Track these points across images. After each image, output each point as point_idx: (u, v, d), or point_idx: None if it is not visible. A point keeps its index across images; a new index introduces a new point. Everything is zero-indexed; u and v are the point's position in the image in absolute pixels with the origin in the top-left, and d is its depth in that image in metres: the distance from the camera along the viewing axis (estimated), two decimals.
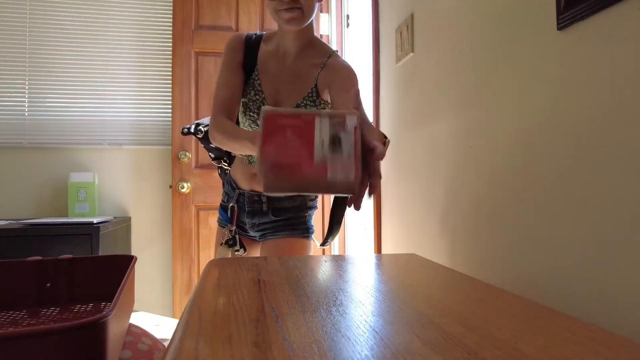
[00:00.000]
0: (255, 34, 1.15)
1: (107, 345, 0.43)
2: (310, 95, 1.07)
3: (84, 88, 2.28)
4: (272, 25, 2.23)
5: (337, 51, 1.12)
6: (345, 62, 1.10)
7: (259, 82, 1.11)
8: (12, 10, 2.22)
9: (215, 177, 2.15)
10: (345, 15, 2.30)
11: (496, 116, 0.80)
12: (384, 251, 1.42)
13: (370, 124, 0.76)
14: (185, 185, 2.10)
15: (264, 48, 1.13)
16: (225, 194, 1.21)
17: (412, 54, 1.19)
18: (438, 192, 1.03)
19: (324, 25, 2.28)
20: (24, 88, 2.23)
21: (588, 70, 0.58)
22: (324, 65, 1.07)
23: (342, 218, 1.18)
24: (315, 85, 1.07)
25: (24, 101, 2.23)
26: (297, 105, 1.07)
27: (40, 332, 0.40)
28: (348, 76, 1.05)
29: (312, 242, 1.15)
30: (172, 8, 2.20)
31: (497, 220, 0.78)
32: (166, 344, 0.55)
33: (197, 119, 2.15)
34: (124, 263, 0.75)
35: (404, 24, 1.23)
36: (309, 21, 1.04)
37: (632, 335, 0.49)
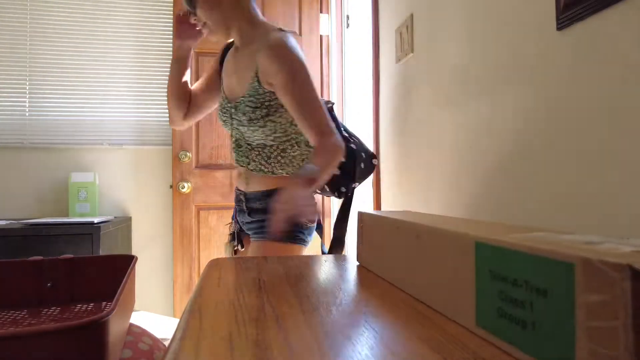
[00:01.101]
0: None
1: (108, 345, 0.43)
2: (252, 85, 1.03)
3: (84, 88, 2.28)
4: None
5: (282, 29, 1.05)
6: (281, 40, 1.00)
7: (221, 81, 1.16)
8: (13, 11, 2.22)
9: (216, 177, 2.15)
10: (345, 15, 2.30)
11: (496, 116, 0.80)
12: None
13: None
14: (185, 185, 2.10)
15: (230, 51, 1.18)
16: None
17: (412, 54, 1.20)
18: (438, 192, 1.03)
19: (324, 25, 2.28)
20: (25, 88, 2.23)
21: (588, 70, 0.58)
22: (261, 49, 1.01)
23: (343, 233, 1.22)
24: (256, 74, 1.02)
25: (24, 101, 2.23)
26: (242, 99, 1.06)
27: (41, 331, 0.40)
28: (273, 60, 0.97)
29: (290, 246, 1.08)
30: (172, 8, 2.20)
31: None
32: (166, 343, 0.55)
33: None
34: (125, 263, 0.76)
35: (404, 24, 1.23)
36: (223, 28, 1.06)
37: None
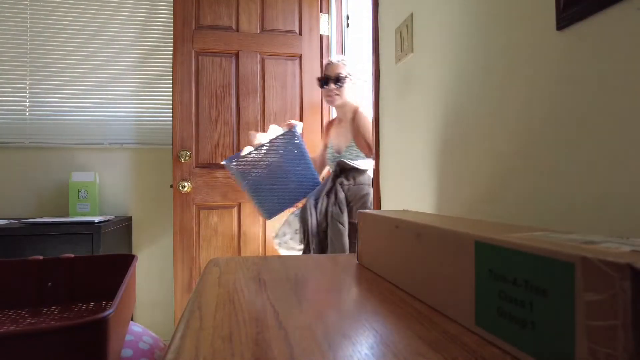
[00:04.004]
0: None
1: (108, 344, 0.43)
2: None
3: (85, 88, 2.29)
4: (272, 25, 2.23)
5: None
6: None
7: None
8: (13, 10, 2.22)
9: (216, 176, 2.15)
10: (345, 15, 2.30)
11: (496, 116, 0.80)
12: None
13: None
14: (185, 184, 2.10)
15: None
16: None
17: (412, 54, 1.20)
18: (438, 192, 1.03)
19: (324, 25, 2.28)
20: (25, 88, 2.23)
21: (588, 71, 0.58)
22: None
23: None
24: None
25: (24, 101, 2.23)
26: None
27: (42, 331, 0.40)
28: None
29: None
30: (172, 8, 2.20)
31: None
32: (167, 342, 0.55)
33: (198, 119, 2.15)
34: (125, 262, 0.76)
35: (404, 24, 1.23)
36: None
37: None
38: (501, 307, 0.34)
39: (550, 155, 0.65)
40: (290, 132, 1.61)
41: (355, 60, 1.87)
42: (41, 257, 0.74)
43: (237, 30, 2.19)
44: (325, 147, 1.96)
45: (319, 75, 2.26)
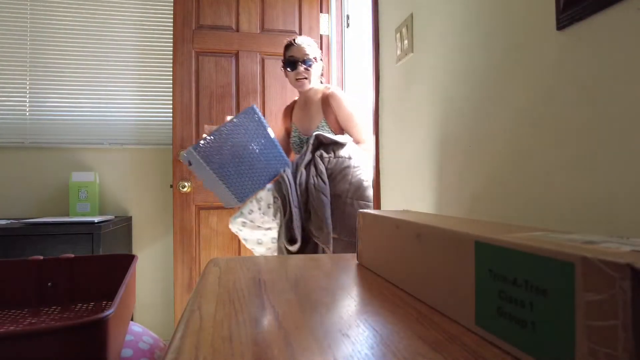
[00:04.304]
0: None
1: (108, 344, 0.43)
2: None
3: (84, 88, 2.29)
4: (272, 25, 2.23)
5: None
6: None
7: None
8: (13, 10, 2.22)
9: None
10: (345, 15, 2.30)
11: (496, 116, 0.80)
12: None
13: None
14: (186, 184, 2.10)
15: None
16: None
17: (412, 54, 1.20)
18: (438, 192, 1.03)
19: (324, 25, 2.28)
20: (25, 88, 2.23)
21: (587, 70, 0.58)
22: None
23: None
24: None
25: (25, 101, 2.23)
26: None
27: (42, 331, 0.40)
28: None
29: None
30: (172, 8, 2.20)
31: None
32: (167, 342, 0.55)
33: (198, 119, 2.15)
34: (125, 262, 0.76)
35: (404, 24, 1.24)
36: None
37: None
38: (501, 307, 0.34)
39: (550, 155, 0.65)
40: (250, 109, 1.52)
41: (315, 43, 1.81)
42: (41, 257, 0.74)
43: (237, 30, 2.19)
44: (287, 132, 1.91)
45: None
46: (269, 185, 1.57)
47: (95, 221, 1.83)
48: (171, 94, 2.30)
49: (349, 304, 0.47)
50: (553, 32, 0.64)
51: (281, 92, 2.23)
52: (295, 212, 1.47)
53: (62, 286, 0.74)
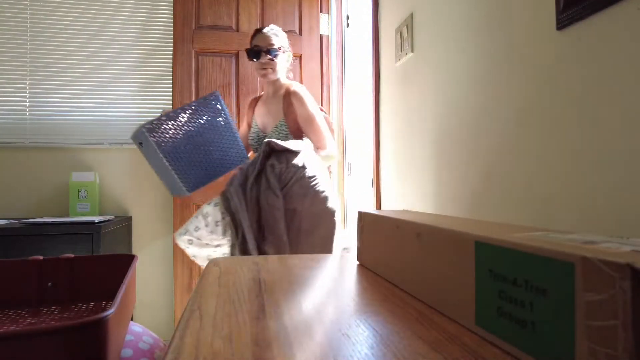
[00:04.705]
0: None
1: (108, 344, 0.43)
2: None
3: (84, 88, 2.29)
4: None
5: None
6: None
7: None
8: (13, 10, 2.22)
9: None
10: (345, 15, 2.30)
11: (496, 116, 0.80)
12: None
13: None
14: None
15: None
16: None
17: (412, 54, 1.20)
18: (438, 192, 1.03)
19: (324, 25, 2.28)
20: (25, 88, 2.23)
21: (587, 70, 0.58)
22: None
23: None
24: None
25: (25, 101, 2.23)
26: None
27: (42, 331, 0.40)
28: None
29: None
30: (172, 8, 2.20)
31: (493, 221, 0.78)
32: (167, 342, 0.55)
33: None
34: (125, 262, 0.76)
35: (404, 24, 1.23)
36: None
37: None
38: (501, 307, 0.34)
39: (551, 155, 0.65)
40: (212, 94, 1.41)
41: (283, 33, 1.69)
42: (41, 257, 0.74)
43: (237, 30, 2.19)
44: (249, 126, 1.78)
45: (320, 76, 2.26)
46: (216, 199, 1.45)
47: (95, 221, 1.83)
48: (171, 94, 2.30)
49: (349, 304, 0.47)
50: (553, 32, 0.64)
51: None
52: (249, 233, 1.33)
53: (62, 286, 0.74)
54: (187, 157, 1.38)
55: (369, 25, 1.66)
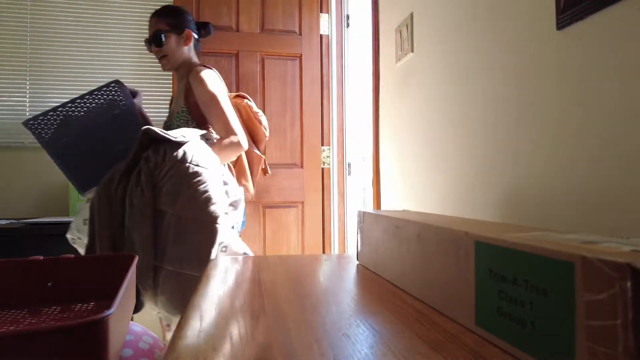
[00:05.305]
0: None
1: (108, 344, 0.43)
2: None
3: (84, 88, 2.29)
4: (272, 25, 2.23)
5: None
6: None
7: None
8: (13, 10, 2.22)
9: None
10: (345, 15, 2.30)
11: (495, 116, 0.80)
12: None
13: None
14: None
15: None
16: None
17: (412, 54, 1.20)
18: (437, 192, 1.03)
19: (324, 25, 2.28)
20: (25, 88, 2.23)
21: (587, 70, 0.58)
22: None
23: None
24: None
25: (25, 101, 2.23)
26: None
27: (42, 331, 0.40)
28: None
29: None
30: None
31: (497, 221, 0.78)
32: (167, 342, 0.55)
33: None
34: (125, 262, 0.76)
35: (404, 23, 1.23)
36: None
37: None
38: (501, 307, 0.34)
39: (551, 155, 0.65)
40: (113, 82, 1.25)
41: (179, 9, 1.48)
42: (41, 257, 0.74)
43: (237, 30, 2.19)
44: None
45: (320, 76, 2.26)
46: (91, 196, 1.22)
47: None
48: (171, 93, 2.30)
49: (349, 304, 0.47)
50: (553, 32, 0.64)
51: (281, 92, 2.23)
52: (99, 241, 1.08)
53: (62, 286, 0.74)
54: (80, 154, 1.24)
55: (369, 25, 1.66)
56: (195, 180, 1.10)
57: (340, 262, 0.72)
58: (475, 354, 0.33)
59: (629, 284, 0.23)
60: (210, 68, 1.46)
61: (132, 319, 0.98)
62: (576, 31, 0.60)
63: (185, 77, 1.47)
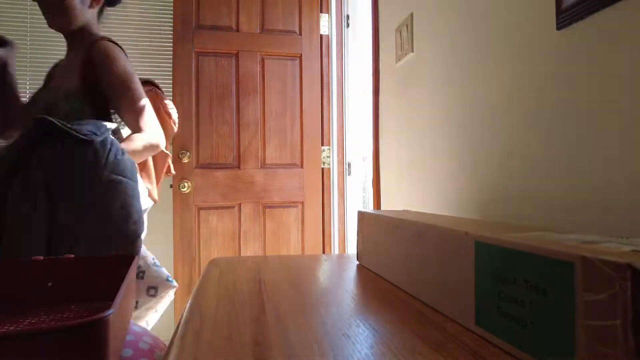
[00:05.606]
0: None
1: (109, 344, 0.43)
2: None
3: None
4: (272, 25, 2.23)
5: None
6: None
7: None
8: (13, 10, 2.22)
9: (216, 176, 2.15)
10: (345, 15, 2.30)
11: (495, 116, 0.80)
12: None
13: None
14: (186, 184, 2.10)
15: None
16: None
17: (412, 54, 1.20)
18: (437, 192, 1.03)
19: (324, 25, 2.28)
20: (25, 88, 2.23)
21: (587, 70, 0.58)
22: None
23: None
24: None
25: (24, 101, 2.23)
26: None
27: (41, 331, 0.40)
28: None
29: None
30: (172, 8, 2.20)
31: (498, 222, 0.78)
32: (167, 342, 0.55)
33: (198, 119, 2.15)
34: (125, 262, 0.76)
35: (404, 23, 1.24)
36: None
37: None
38: (501, 306, 0.34)
39: (551, 155, 0.65)
40: None
41: None
42: (41, 257, 0.74)
43: (237, 30, 2.19)
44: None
45: (320, 76, 2.26)
46: None
47: None
48: (171, 94, 2.30)
49: (349, 304, 0.47)
50: (553, 32, 0.64)
51: (281, 92, 2.23)
52: None
53: (62, 286, 0.74)
54: None
55: (369, 25, 1.66)
56: (112, 188, 0.88)
57: (340, 262, 0.72)
58: (475, 354, 0.33)
59: (629, 284, 0.23)
60: (116, 43, 1.17)
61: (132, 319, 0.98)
62: (576, 31, 0.60)
63: (84, 48, 1.16)
